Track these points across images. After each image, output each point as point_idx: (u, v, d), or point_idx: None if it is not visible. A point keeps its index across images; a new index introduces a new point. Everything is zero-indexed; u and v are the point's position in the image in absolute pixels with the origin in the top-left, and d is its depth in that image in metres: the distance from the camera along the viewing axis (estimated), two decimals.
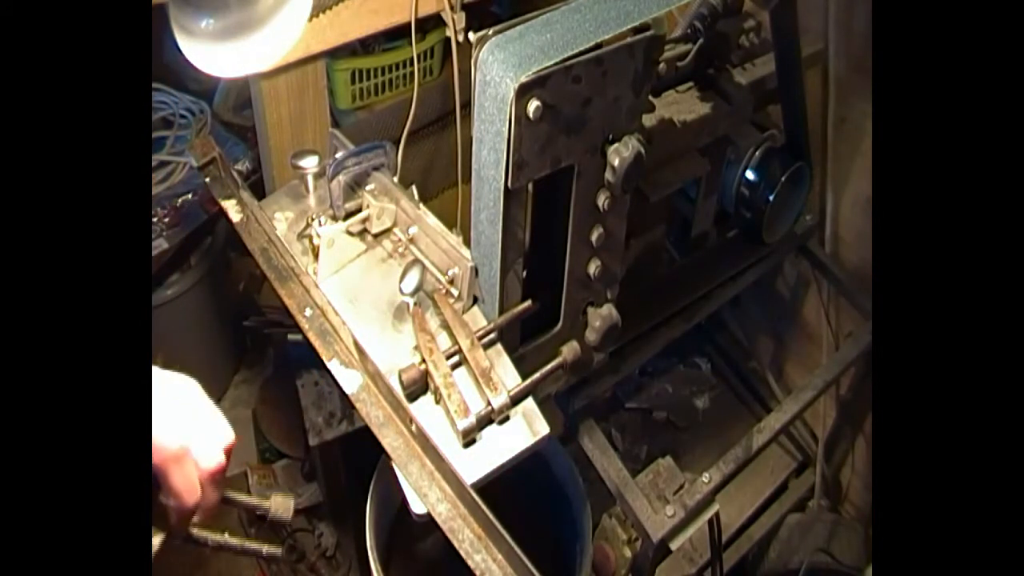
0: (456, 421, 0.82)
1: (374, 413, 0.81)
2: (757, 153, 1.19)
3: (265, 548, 0.73)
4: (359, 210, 1.02)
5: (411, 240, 1.00)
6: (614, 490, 1.11)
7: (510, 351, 0.92)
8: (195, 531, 0.67)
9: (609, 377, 1.17)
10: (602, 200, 0.89)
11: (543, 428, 0.86)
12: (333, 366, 0.85)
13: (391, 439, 0.80)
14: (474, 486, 0.76)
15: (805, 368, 1.67)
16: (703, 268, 1.29)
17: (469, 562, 0.71)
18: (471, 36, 0.79)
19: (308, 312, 0.90)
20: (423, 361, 0.86)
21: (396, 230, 1.03)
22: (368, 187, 1.03)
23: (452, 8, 1.35)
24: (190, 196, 1.61)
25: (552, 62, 0.75)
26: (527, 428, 0.86)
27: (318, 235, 0.98)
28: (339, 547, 1.76)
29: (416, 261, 0.96)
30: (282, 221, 1.07)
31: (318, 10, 1.25)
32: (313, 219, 1.01)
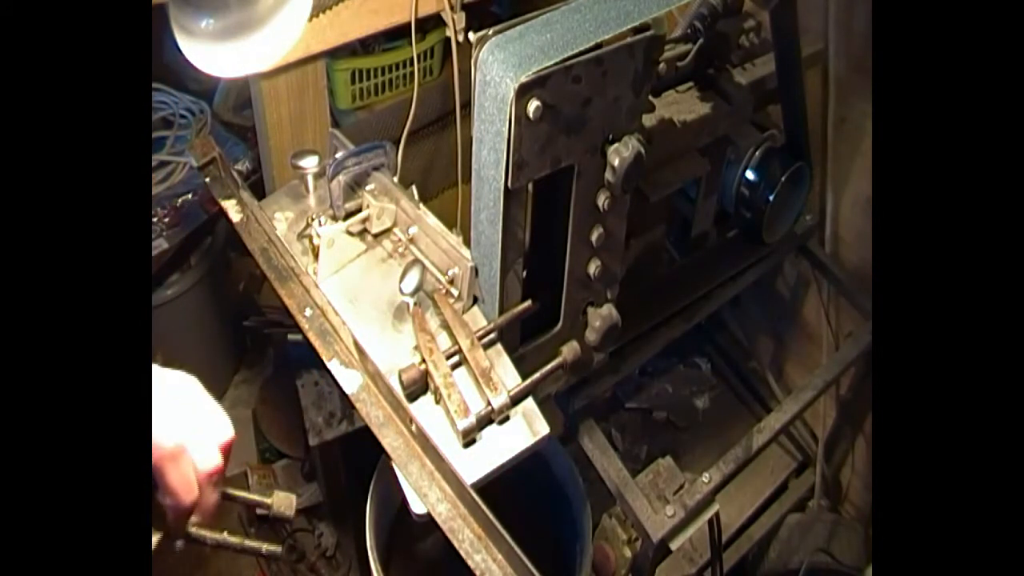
0: (456, 421, 0.82)
1: (374, 413, 0.81)
2: (757, 153, 1.19)
3: (264, 547, 0.73)
4: (359, 210, 1.02)
5: (411, 240, 1.00)
6: (614, 490, 1.11)
7: (510, 351, 0.92)
8: (193, 530, 0.67)
9: (609, 377, 1.17)
10: (602, 200, 0.89)
11: (543, 428, 0.86)
12: (333, 366, 0.85)
13: (391, 439, 0.80)
14: (474, 486, 0.76)
15: (805, 368, 1.67)
16: (703, 268, 1.29)
17: (469, 562, 0.71)
18: (471, 36, 0.79)
19: (308, 312, 0.90)
20: (423, 361, 0.86)
21: (396, 230, 1.03)
22: (368, 187, 1.03)
23: (452, 8, 1.35)
24: (190, 196, 1.61)
25: (552, 62, 0.75)
26: (527, 428, 0.86)
27: (318, 235, 0.98)
28: (339, 547, 1.76)
29: (416, 261, 0.96)
30: (282, 221, 1.07)
31: (318, 10, 1.25)
32: (313, 219, 1.01)
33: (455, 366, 0.89)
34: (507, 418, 0.86)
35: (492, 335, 0.91)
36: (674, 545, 1.09)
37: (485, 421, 0.84)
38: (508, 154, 0.78)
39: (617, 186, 0.87)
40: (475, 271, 0.92)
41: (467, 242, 0.93)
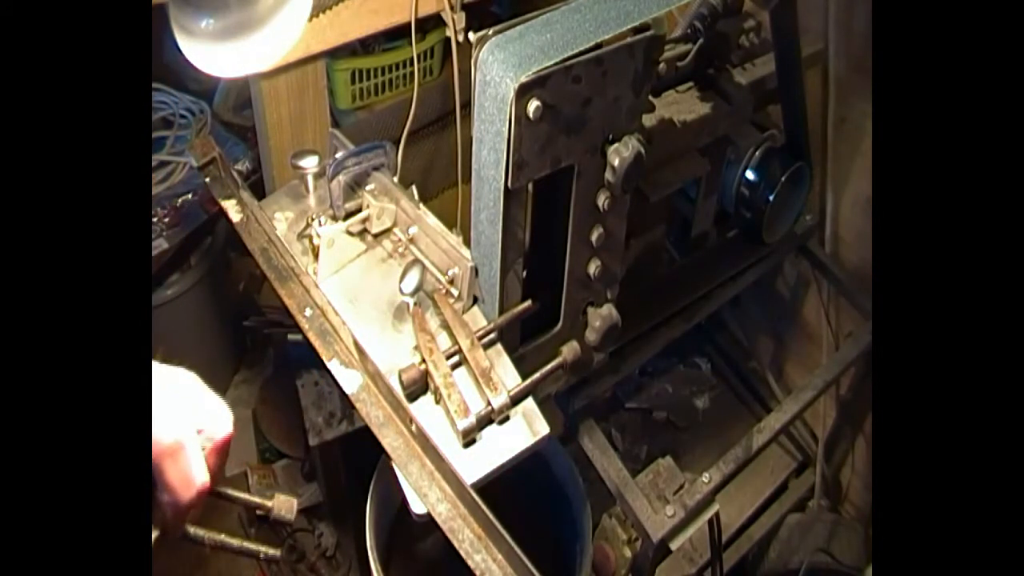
0: (456, 421, 0.82)
1: (374, 413, 0.81)
2: (757, 153, 1.19)
3: (263, 551, 0.73)
4: (359, 210, 1.02)
5: (411, 240, 1.00)
6: (614, 490, 1.11)
7: (510, 351, 0.92)
8: (192, 530, 0.67)
9: (609, 377, 1.17)
10: (602, 200, 0.89)
11: (543, 428, 0.86)
12: (333, 366, 0.85)
13: (391, 439, 0.79)
14: (474, 486, 0.76)
15: (805, 368, 1.67)
16: (703, 268, 1.29)
17: (469, 562, 0.71)
18: (471, 36, 0.79)
19: (308, 312, 0.90)
20: (423, 361, 0.86)
21: (396, 230, 1.03)
22: (368, 187, 1.03)
23: (452, 8, 1.35)
24: (190, 196, 1.61)
25: (552, 62, 0.75)
26: (527, 428, 0.86)
27: (318, 235, 0.98)
28: (339, 547, 1.76)
29: (416, 261, 0.96)
30: (282, 221, 1.07)
31: (318, 10, 1.25)
32: (313, 219, 1.01)
33: (455, 366, 0.89)
34: (507, 418, 0.86)
35: (492, 335, 0.91)
36: (674, 545, 1.09)
37: (485, 421, 0.84)
38: (508, 154, 0.78)
39: (617, 186, 0.87)
40: (475, 271, 0.92)
41: (467, 242, 0.93)
